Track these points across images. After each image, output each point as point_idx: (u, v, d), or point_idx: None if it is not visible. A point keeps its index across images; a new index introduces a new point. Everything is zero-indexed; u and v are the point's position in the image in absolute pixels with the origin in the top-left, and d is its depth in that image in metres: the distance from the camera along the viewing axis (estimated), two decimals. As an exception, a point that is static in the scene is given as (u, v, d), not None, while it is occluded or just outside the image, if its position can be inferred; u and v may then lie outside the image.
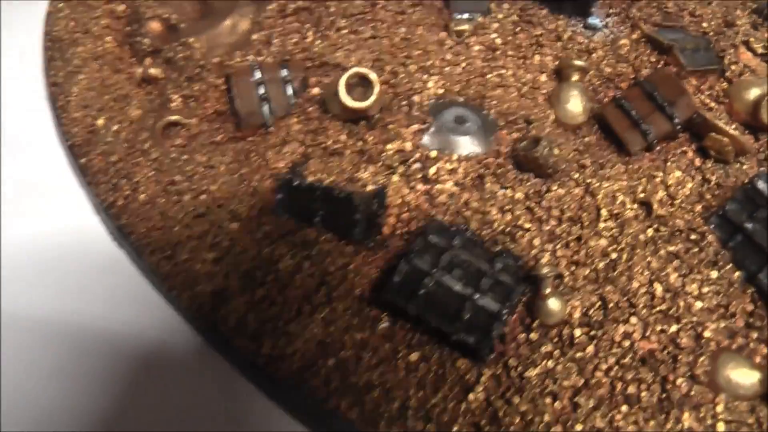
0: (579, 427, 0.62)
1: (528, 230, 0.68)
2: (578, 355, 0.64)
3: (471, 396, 0.64)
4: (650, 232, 0.69)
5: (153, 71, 0.79)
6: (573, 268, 0.67)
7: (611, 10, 0.84)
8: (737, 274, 0.68)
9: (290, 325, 0.67)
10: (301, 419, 0.70)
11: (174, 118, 0.76)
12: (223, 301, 0.69)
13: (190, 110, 0.77)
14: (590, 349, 0.64)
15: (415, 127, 0.72)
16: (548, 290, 0.65)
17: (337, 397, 0.66)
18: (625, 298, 0.66)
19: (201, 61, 0.78)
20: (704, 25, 0.84)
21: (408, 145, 0.71)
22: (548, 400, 0.63)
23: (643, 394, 0.63)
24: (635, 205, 0.70)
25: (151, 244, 0.73)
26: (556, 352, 0.65)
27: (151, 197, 0.75)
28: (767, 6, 0.88)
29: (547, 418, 0.63)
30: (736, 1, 0.90)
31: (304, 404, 0.68)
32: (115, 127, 0.79)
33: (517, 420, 0.63)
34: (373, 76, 0.69)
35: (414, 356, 0.66)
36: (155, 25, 0.82)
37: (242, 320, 0.68)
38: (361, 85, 0.70)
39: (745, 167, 0.74)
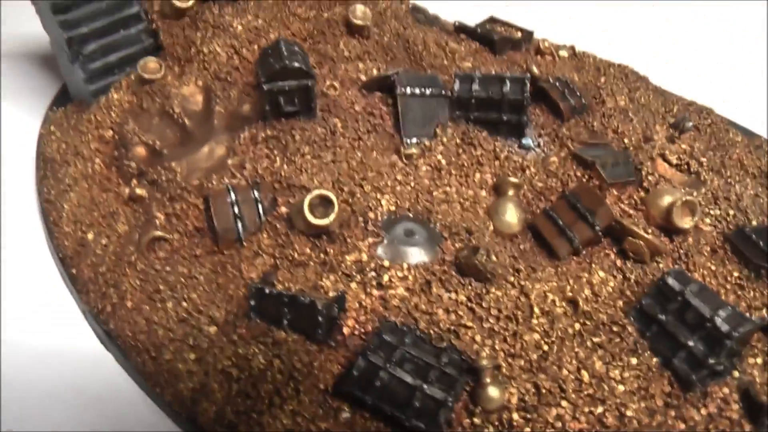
0: (519, 501, 0.70)
1: (470, 328, 0.77)
2: (516, 435, 0.73)
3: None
4: (577, 326, 0.78)
5: (139, 191, 0.89)
6: (510, 359, 0.76)
7: (543, 131, 0.96)
8: (655, 360, 0.77)
9: (263, 416, 0.75)
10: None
11: (158, 233, 0.86)
12: (203, 396, 0.78)
13: (173, 226, 0.87)
14: (527, 430, 0.73)
15: (370, 240, 0.82)
16: (488, 379, 0.73)
17: (305, 482, 0.74)
18: (556, 385, 0.74)
19: (182, 183, 0.89)
20: (626, 141, 0.96)
21: (364, 256, 0.80)
22: (492, 478, 0.72)
23: (575, 468, 0.72)
24: (564, 303, 0.80)
25: (137, 346, 0.82)
26: (497, 435, 0.73)
27: (137, 304, 0.84)
28: (682, 120, 1.01)
29: (491, 494, 0.71)
30: (655, 117, 1.02)
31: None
32: (103, 241, 0.89)
33: (466, 498, 0.71)
34: (332, 197, 0.80)
35: (375, 442, 0.74)
36: (141, 150, 0.92)
37: (220, 413, 0.76)
38: (322, 205, 0.81)
39: (661, 266, 0.85)
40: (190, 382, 0.78)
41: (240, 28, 0.99)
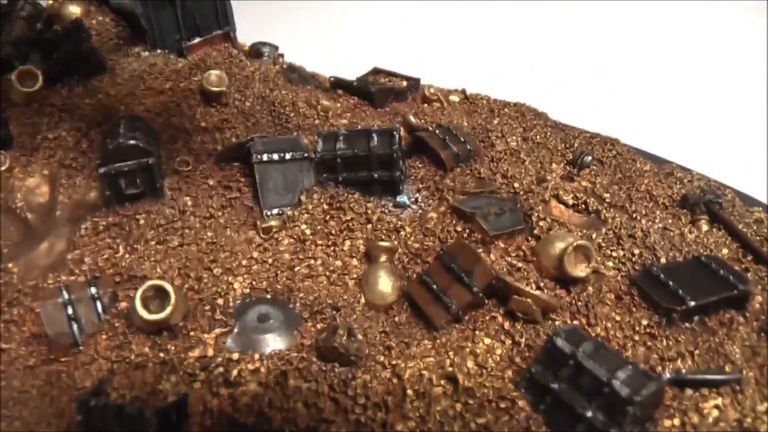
0: None
1: (333, 422, 0.67)
2: None
3: None
4: (458, 406, 0.68)
5: (-25, 301, 0.80)
6: (379, 454, 0.66)
7: (422, 185, 0.87)
8: (552, 438, 0.67)
9: None
10: None
11: (-11, 348, 0.77)
12: None
13: (11, 334, 0.78)
14: None
15: (218, 331, 0.72)
16: (352, 482, 0.63)
17: None
18: (434, 482, 0.64)
19: (18, 286, 0.79)
20: (515, 185, 0.86)
21: (210, 351, 0.71)
22: None
23: None
24: (442, 381, 0.69)
25: (-32, 483, 0.72)
26: None
27: (-31, 432, 0.74)
28: (581, 155, 0.92)
29: None
30: (552, 154, 0.93)
31: None
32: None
33: None
34: (168, 287, 0.71)
35: None
36: (-23, 258, 0.84)
37: None
38: (158, 297, 0.71)
39: (557, 323, 0.74)
40: None
41: (89, 108, 0.91)
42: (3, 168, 0.88)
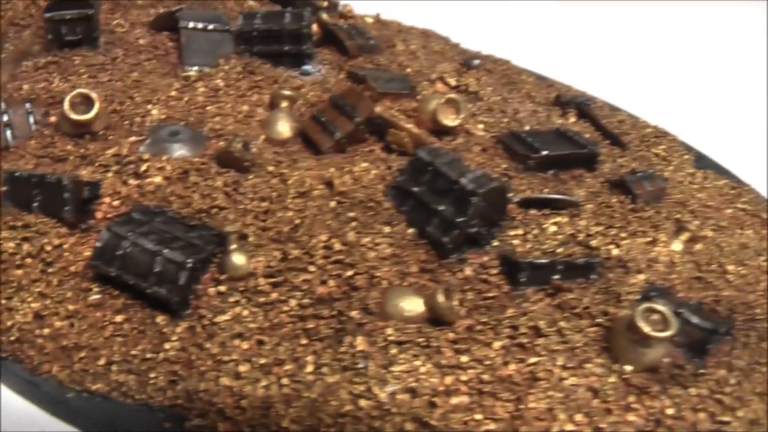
0: (263, 360, 0.69)
1: (224, 209, 0.78)
2: (262, 300, 0.72)
3: (168, 346, 0.71)
4: (333, 203, 0.79)
5: None
6: (260, 232, 0.76)
7: (325, 61, 1.00)
8: (410, 231, 0.78)
9: (11, 301, 0.75)
10: (20, 390, 0.75)
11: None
12: (-52, 291, 0.77)
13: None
14: (274, 295, 0.73)
15: (133, 138, 0.84)
16: (233, 246, 0.74)
17: (49, 363, 0.72)
18: (304, 252, 0.75)
19: (-46, 103, 0.90)
20: (408, 70, 1.00)
21: (125, 150, 0.82)
22: (237, 341, 0.70)
23: (321, 327, 0.71)
24: (321, 186, 0.81)
25: None
26: (243, 300, 0.73)
27: None
28: (471, 58, 1.06)
29: (235, 357, 0.70)
30: (445, 59, 1.07)
31: (22, 374, 0.74)
32: None
33: (209, 362, 0.70)
34: (93, 94, 0.82)
35: (119, 318, 0.73)
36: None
37: (-37, 304, 0.75)
38: (84, 104, 0.83)
39: (427, 158, 0.86)
40: (-65, 279, 0.77)
41: (34, -19, 1.04)
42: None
